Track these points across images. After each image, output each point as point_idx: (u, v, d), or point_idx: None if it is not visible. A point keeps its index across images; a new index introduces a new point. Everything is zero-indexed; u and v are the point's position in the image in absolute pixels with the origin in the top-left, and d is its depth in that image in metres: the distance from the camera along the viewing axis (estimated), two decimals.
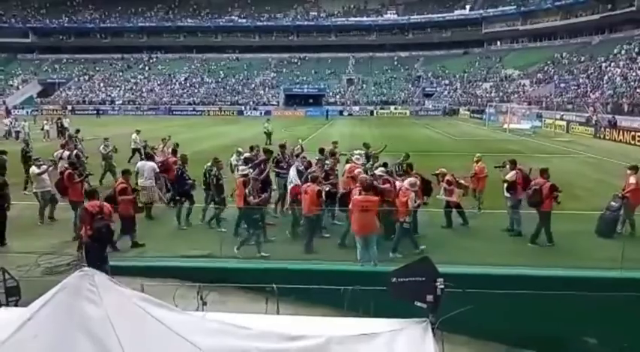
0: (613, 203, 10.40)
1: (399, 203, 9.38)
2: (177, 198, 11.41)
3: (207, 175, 11.28)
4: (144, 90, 73.43)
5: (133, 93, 72.43)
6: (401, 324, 3.11)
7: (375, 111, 64.77)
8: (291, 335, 3.01)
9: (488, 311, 5.29)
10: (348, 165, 11.93)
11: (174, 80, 76.11)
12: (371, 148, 14.41)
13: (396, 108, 65.60)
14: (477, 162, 12.52)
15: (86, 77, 77.43)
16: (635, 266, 8.40)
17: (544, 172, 10.07)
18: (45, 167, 11.84)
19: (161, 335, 2.72)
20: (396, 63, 79.21)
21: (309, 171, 11.18)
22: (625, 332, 6.83)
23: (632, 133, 29.47)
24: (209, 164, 11.52)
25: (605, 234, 10.08)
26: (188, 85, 75.07)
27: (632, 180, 10.47)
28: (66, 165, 11.77)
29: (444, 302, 3.22)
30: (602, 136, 32.02)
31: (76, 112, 61.05)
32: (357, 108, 66.41)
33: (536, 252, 9.64)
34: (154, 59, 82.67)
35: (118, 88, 73.84)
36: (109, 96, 71.81)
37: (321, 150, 13.22)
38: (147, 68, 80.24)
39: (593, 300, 6.59)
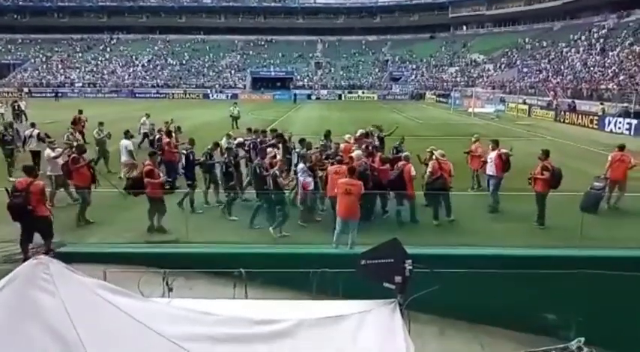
0: (596, 183, 11.19)
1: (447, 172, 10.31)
2: (189, 183, 11.23)
3: (207, 158, 11.38)
4: (105, 72, 70.92)
5: (93, 76, 69.86)
6: (369, 305, 3.12)
7: (343, 95, 64.76)
8: (260, 320, 2.97)
9: (451, 290, 5.40)
10: (342, 145, 12.09)
11: (136, 62, 73.79)
12: (384, 131, 14.79)
13: (363, 92, 65.75)
14: (476, 141, 13.04)
15: (43, 58, 74.14)
16: (593, 244, 8.77)
17: (546, 154, 10.50)
18: (60, 150, 11.76)
19: (122, 324, 2.61)
20: (364, 46, 79.16)
21: (309, 152, 11.18)
22: (581, 308, 7.12)
23: (590, 117, 30.47)
24: (209, 147, 11.58)
25: (590, 210, 10.62)
26: (151, 66, 72.96)
27: (609, 158, 11.52)
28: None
29: (413, 282, 3.25)
30: (562, 120, 32.99)
31: (34, 95, 58.52)
32: (325, 92, 66.20)
33: (503, 231, 9.91)
34: (115, 40, 79.83)
35: (78, 70, 71.05)
36: (68, 78, 69.04)
37: (328, 134, 13.36)
38: (108, 49, 77.46)
39: (553, 278, 6.84)
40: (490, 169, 11.46)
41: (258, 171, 10.20)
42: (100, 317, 2.60)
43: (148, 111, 21.29)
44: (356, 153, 10.69)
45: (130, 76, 70.31)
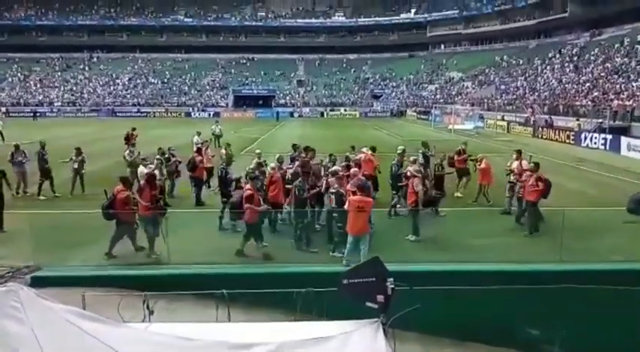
0: None
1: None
2: (224, 200, 11.19)
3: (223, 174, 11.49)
4: (84, 91, 70.29)
5: (72, 95, 69.12)
6: (352, 326, 3.08)
7: (325, 113, 65.20)
8: (239, 344, 2.90)
9: (435, 307, 5.39)
10: (361, 156, 12.60)
11: (117, 81, 73.33)
12: (430, 148, 14.96)
13: (345, 110, 66.32)
14: (482, 159, 13.29)
15: (21, 77, 73.13)
16: (574, 258, 8.86)
17: (537, 166, 10.88)
18: (153, 166, 12.20)
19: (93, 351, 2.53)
20: (345, 65, 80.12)
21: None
22: (564, 322, 7.17)
23: (567, 133, 31.14)
24: (251, 167, 11.41)
25: (636, 212, 11.05)
26: (132, 85, 72.56)
27: None
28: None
29: (396, 299, 3.23)
30: (539, 136, 33.61)
31: (11, 115, 57.62)
32: (307, 109, 66.58)
33: (487, 246, 9.96)
34: (96, 59, 79.32)
35: (57, 89, 70.23)
36: (47, 97, 68.14)
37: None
38: (88, 68, 76.83)
39: (535, 293, 6.88)
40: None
41: (298, 193, 9.90)
42: (71, 345, 2.51)
43: (129, 129, 21.25)
44: (353, 170, 10.75)
45: (110, 94, 69.79)
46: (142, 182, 10.02)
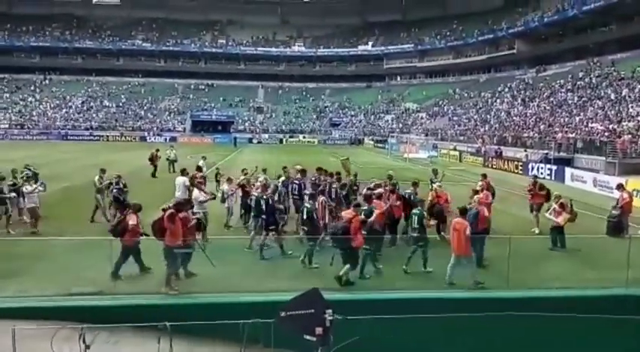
0: (614, 212, 12.82)
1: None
2: (267, 227, 10.86)
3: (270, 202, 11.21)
4: (34, 113, 67.74)
5: (21, 117, 66.43)
6: None
7: (284, 140, 65.41)
8: None
9: (382, 337, 5.37)
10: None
11: (69, 103, 71.16)
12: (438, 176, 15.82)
13: (304, 137, 66.81)
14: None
15: None
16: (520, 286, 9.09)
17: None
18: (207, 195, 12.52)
19: None
20: (304, 93, 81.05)
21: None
22: (473, 349, 7.25)
23: (515, 163, 32.43)
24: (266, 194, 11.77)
25: (615, 235, 12.08)
26: (85, 108, 70.52)
27: (625, 195, 13.08)
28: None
29: (344, 327, 3.18)
30: (490, 165, 34.82)
31: None
32: (266, 136, 66.64)
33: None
34: (48, 81, 76.80)
35: (4, 111, 67.26)
36: None
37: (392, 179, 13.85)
38: (39, 90, 74.22)
39: (479, 320, 6.99)
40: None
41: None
42: None
43: (82, 153, 20.68)
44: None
45: (61, 117, 67.54)
46: (169, 211, 8.86)
